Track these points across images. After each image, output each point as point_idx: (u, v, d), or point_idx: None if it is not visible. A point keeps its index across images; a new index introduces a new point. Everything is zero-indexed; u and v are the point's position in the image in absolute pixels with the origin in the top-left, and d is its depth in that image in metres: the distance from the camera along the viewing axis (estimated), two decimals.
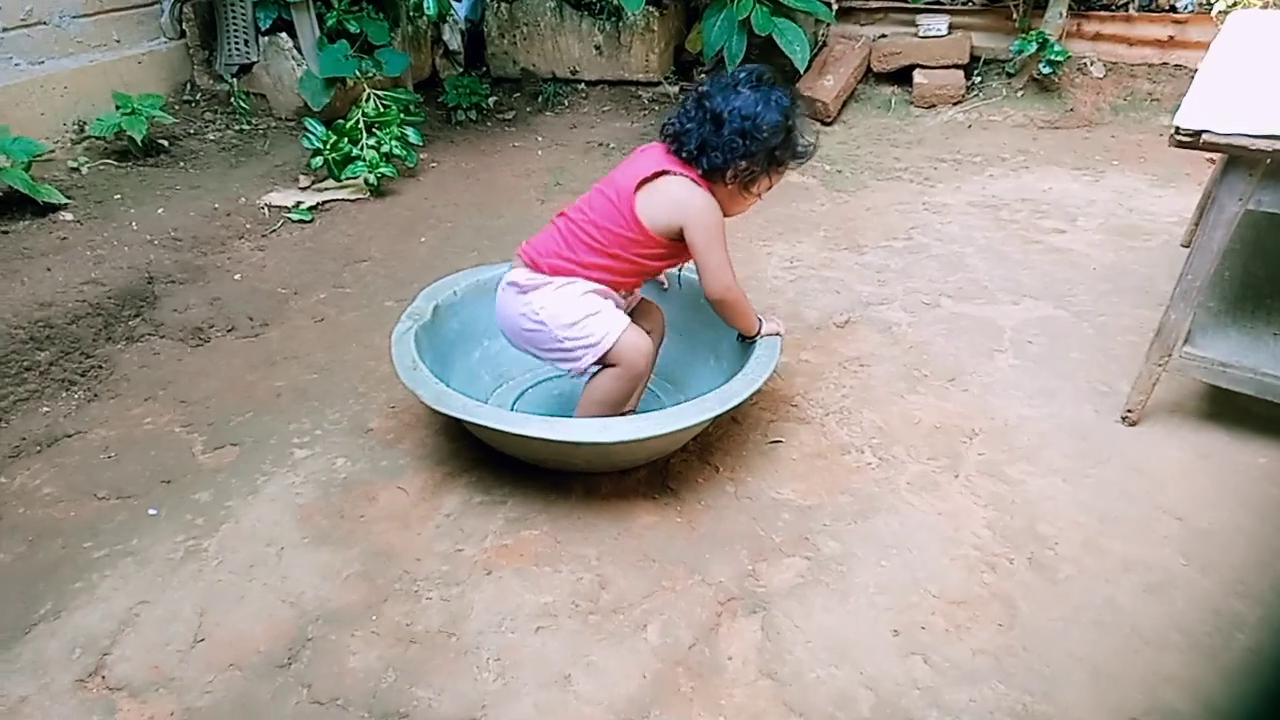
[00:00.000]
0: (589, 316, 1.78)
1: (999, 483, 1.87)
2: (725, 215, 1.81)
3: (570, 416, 1.90)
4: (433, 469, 1.91)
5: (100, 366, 2.33)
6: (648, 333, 1.89)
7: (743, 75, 1.79)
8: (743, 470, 1.92)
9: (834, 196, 3.47)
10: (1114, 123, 4.23)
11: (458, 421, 1.77)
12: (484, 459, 1.92)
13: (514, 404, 2.10)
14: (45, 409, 2.18)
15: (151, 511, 1.80)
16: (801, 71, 4.22)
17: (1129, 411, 2.06)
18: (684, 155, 1.77)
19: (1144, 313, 2.54)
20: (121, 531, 1.75)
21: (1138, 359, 2.23)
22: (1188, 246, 2.91)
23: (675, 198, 1.77)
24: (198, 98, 3.89)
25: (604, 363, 1.81)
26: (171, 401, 2.19)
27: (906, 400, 2.16)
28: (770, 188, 1.83)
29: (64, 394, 2.24)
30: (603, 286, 1.82)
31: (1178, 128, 1.69)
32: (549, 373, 2.19)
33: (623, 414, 1.88)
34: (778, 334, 1.95)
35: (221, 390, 2.23)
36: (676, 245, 1.81)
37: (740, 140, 1.73)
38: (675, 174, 1.77)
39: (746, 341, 1.94)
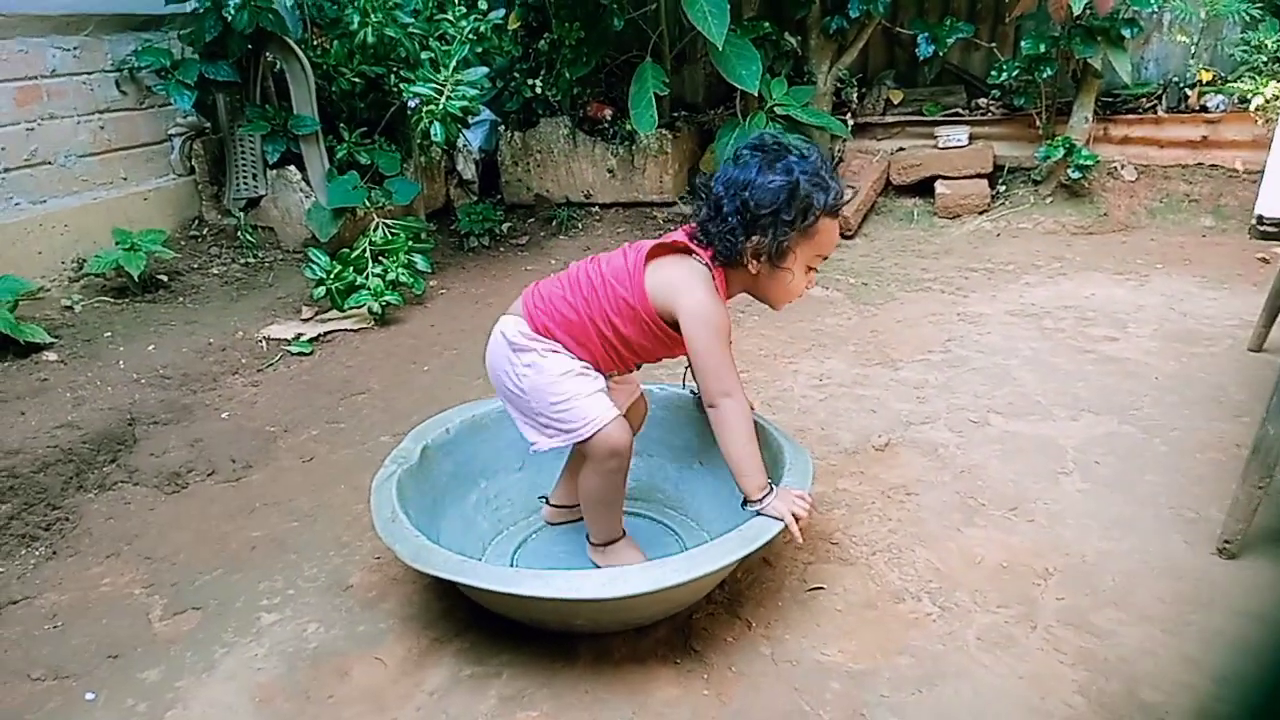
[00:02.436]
0: (573, 399, 1.61)
1: (1086, 635, 1.57)
2: (775, 299, 1.64)
3: (578, 568, 1.65)
4: (418, 634, 1.65)
5: (66, 519, 2.12)
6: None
7: (747, 147, 1.59)
8: (779, 625, 1.63)
9: (861, 310, 3.28)
10: (1151, 226, 4.06)
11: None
12: (477, 620, 1.66)
13: (514, 555, 1.85)
14: None
15: (88, 696, 1.54)
16: None
17: (1226, 542, 1.77)
18: (702, 244, 1.61)
19: (1222, 426, 2.26)
20: None
21: (1225, 479, 1.96)
22: (1257, 351, 2.67)
23: (675, 279, 1.59)
24: (204, 233, 3.83)
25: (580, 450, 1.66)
26: (135, 558, 1.96)
27: (964, 534, 1.88)
28: (820, 255, 1.61)
29: (22, 551, 2.02)
30: (586, 364, 1.64)
31: (1261, 217, 1.48)
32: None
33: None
34: (784, 518, 1.54)
35: (191, 544, 2.00)
36: (674, 335, 1.61)
37: (739, 217, 1.54)
38: (687, 255, 1.61)
39: (746, 506, 1.59)
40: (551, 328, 1.63)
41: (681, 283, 1.59)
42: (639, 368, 1.78)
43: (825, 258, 1.64)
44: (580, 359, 1.64)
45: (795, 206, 1.53)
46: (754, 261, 1.57)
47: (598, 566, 1.77)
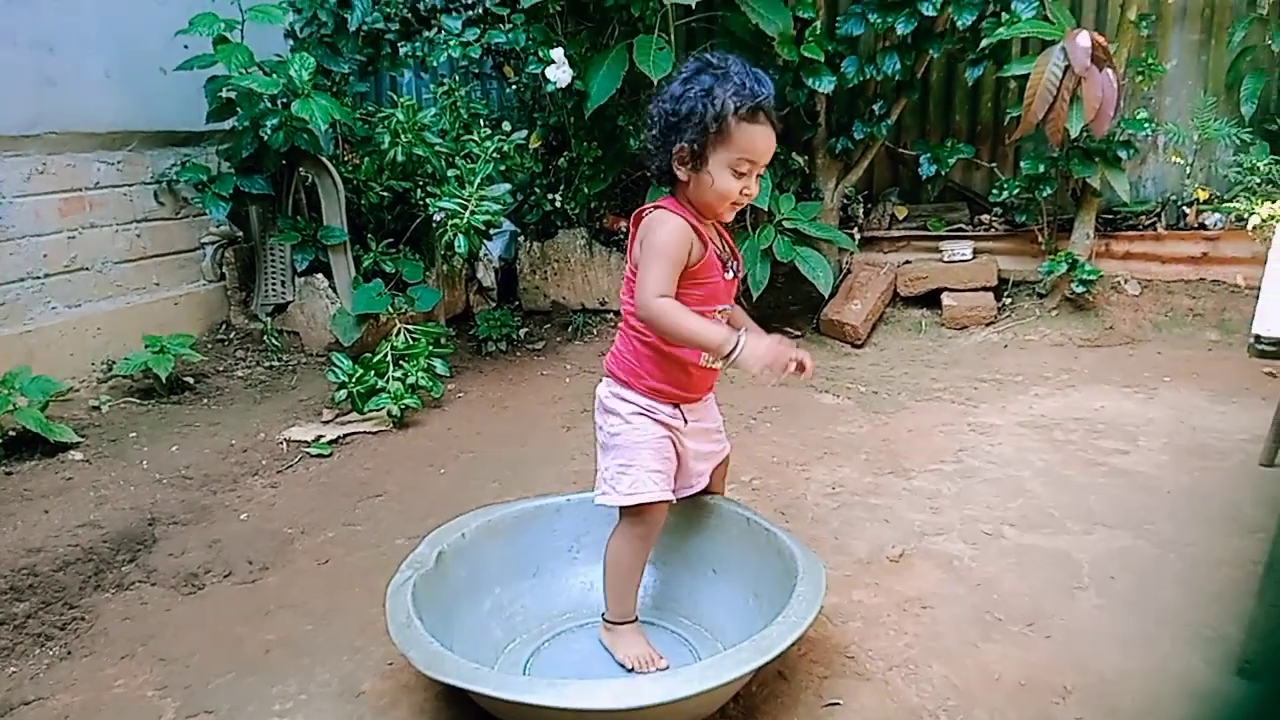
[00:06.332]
0: (632, 468, 1.78)
1: None
2: (711, 203, 1.70)
3: (590, 678, 1.64)
4: None
5: (82, 618, 2.13)
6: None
7: (682, 69, 1.73)
8: None
9: (872, 418, 3.31)
10: (1157, 339, 4.11)
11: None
12: None
13: (527, 663, 1.84)
14: (13, 669, 1.96)
15: None
16: (827, 297, 4.22)
17: (1247, 663, 1.75)
18: (656, 182, 1.79)
19: (1236, 542, 2.26)
20: None
21: (1243, 597, 1.95)
22: (1268, 466, 2.68)
23: (645, 234, 1.72)
24: (231, 336, 3.94)
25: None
26: (150, 659, 1.96)
27: (981, 650, 1.87)
28: (744, 159, 1.65)
29: (37, 650, 2.02)
30: (664, 410, 1.80)
31: (1259, 336, 1.53)
32: (568, 625, 1.96)
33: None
34: (769, 362, 1.62)
35: (206, 645, 2.00)
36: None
37: (661, 126, 1.68)
38: (647, 211, 1.75)
39: (725, 360, 1.67)
40: (616, 374, 1.83)
41: (646, 231, 1.72)
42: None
43: (756, 164, 1.67)
44: (642, 395, 1.80)
45: (705, 111, 1.62)
46: (680, 167, 1.68)
47: (605, 648, 1.85)
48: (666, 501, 1.81)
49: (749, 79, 1.64)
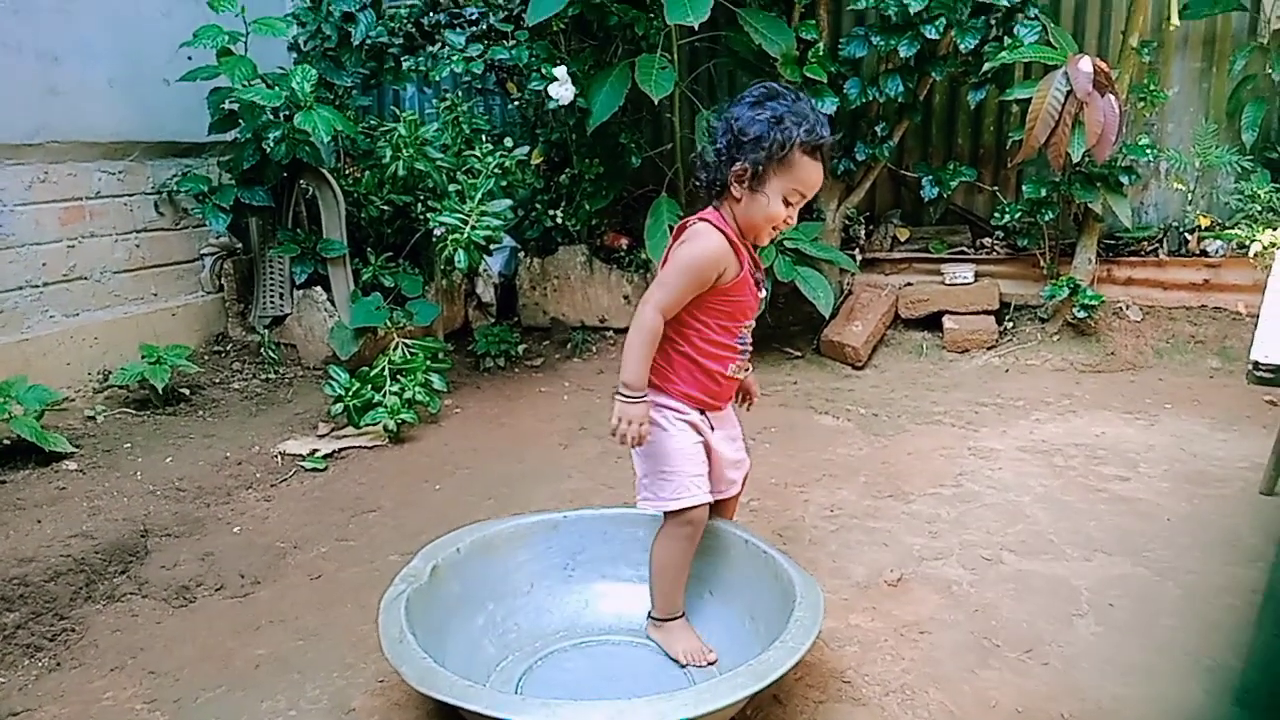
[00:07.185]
0: (674, 474, 1.83)
1: None
2: (757, 226, 1.77)
3: (581, 699, 1.62)
4: None
5: (72, 630, 2.11)
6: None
7: (748, 93, 1.78)
8: None
9: (871, 441, 3.30)
10: (1159, 366, 4.10)
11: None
12: None
13: (519, 681, 1.82)
14: (1, 679, 1.95)
15: None
16: (827, 318, 4.22)
17: (1245, 692, 1.73)
18: (703, 192, 1.83)
19: (1236, 570, 2.24)
20: None
21: (1242, 626, 1.93)
22: (1268, 495, 2.67)
23: (679, 241, 1.79)
24: (228, 348, 3.93)
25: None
26: (139, 672, 1.95)
27: (979, 677, 1.85)
28: (798, 190, 1.74)
29: (26, 661, 2.01)
30: (694, 414, 1.86)
31: (1257, 363, 1.52)
32: (561, 644, 1.94)
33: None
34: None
35: (197, 659, 1.98)
36: (712, 316, 1.80)
37: (726, 140, 1.74)
38: (691, 222, 1.79)
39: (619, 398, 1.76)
40: (651, 379, 1.83)
41: (684, 240, 1.78)
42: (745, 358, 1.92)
43: (806, 197, 1.77)
44: (675, 399, 1.85)
45: (773, 137, 1.70)
46: (737, 185, 1.75)
47: (655, 643, 1.91)
48: (707, 503, 1.88)
49: (816, 117, 1.73)
